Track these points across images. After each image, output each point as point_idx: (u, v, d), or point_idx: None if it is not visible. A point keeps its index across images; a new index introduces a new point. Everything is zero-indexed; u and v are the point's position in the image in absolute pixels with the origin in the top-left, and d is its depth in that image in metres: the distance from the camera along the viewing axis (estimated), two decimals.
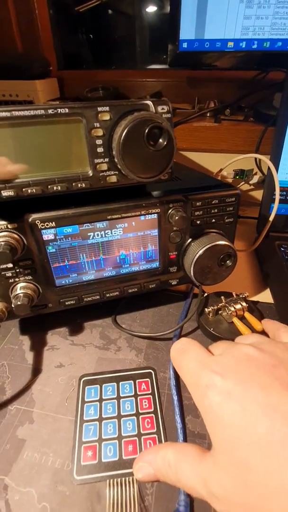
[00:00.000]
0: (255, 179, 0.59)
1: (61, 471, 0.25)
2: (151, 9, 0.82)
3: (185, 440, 0.26)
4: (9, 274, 0.28)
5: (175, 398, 0.29)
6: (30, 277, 0.29)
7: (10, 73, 0.60)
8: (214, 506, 0.16)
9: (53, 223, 0.27)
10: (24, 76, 0.61)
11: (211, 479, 0.16)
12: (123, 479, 0.24)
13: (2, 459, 0.25)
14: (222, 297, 0.36)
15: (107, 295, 0.33)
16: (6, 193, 0.24)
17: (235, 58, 0.55)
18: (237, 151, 0.57)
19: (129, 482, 0.24)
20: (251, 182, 0.60)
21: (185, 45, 0.53)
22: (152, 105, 0.25)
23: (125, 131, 0.23)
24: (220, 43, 0.52)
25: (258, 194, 0.64)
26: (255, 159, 0.58)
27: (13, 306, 0.28)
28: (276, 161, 0.48)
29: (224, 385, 0.17)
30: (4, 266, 0.28)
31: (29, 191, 0.24)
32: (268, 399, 0.15)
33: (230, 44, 0.52)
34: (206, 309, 0.36)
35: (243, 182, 0.60)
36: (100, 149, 0.25)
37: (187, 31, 0.52)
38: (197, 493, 0.17)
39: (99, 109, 0.23)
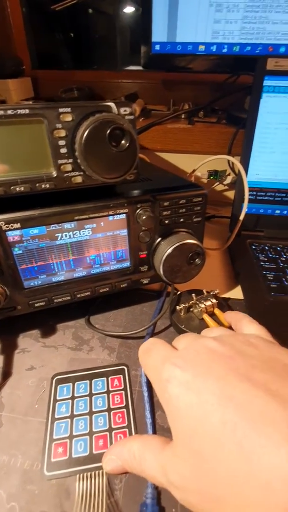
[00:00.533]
0: (228, 179, 0.61)
1: (30, 471, 0.25)
2: (129, 9, 0.82)
3: (154, 432, 0.27)
4: None
5: (146, 394, 0.29)
6: None
7: None
8: (173, 494, 0.17)
9: (18, 224, 0.27)
10: None
11: (169, 468, 0.17)
12: (93, 473, 0.24)
13: None
14: (193, 294, 0.37)
15: (78, 295, 0.33)
16: None
17: (207, 61, 0.57)
18: (210, 152, 0.59)
19: (98, 475, 0.24)
20: (225, 182, 0.61)
21: (157, 47, 0.54)
22: (115, 107, 0.25)
23: (87, 131, 0.23)
24: (192, 46, 0.53)
25: (232, 194, 0.65)
26: (228, 160, 0.60)
27: None
28: (245, 162, 0.49)
29: (183, 377, 0.17)
30: None
31: None
32: (223, 390, 0.16)
33: (202, 48, 0.53)
34: (177, 307, 0.37)
35: (217, 183, 0.62)
36: (63, 150, 0.25)
37: (159, 34, 0.53)
38: (158, 482, 0.18)
39: (61, 110, 0.23)
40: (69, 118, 0.24)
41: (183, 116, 0.65)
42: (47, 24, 0.84)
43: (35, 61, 0.75)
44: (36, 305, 0.32)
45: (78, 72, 0.76)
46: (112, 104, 0.25)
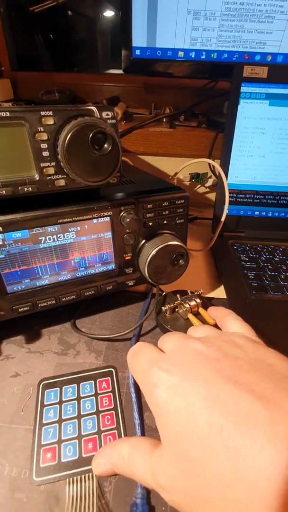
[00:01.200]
0: (210, 182, 0.62)
1: (18, 479, 0.24)
2: (109, 13, 0.83)
3: (142, 435, 0.27)
4: None
5: (133, 395, 0.29)
6: None
7: None
8: (162, 496, 0.17)
9: (0, 228, 0.27)
10: None
11: (158, 471, 0.17)
12: (83, 476, 0.24)
13: None
14: (178, 295, 0.38)
15: (63, 299, 0.33)
16: None
17: (187, 67, 0.58)
18: (191, 155, 0.60)
19: (88, 478, 0.24)
20: (206, 185, 0.63)
21: (138, 52, 0.55)
22: (97, 111, 0.25)
23: (69, 135, 0.23)
24: (171, 52, 0.55)
25: (213, 196, 0.67)
26: (209, 163, 0.61)
27: None
28: (225, 165, 0.51)
29: (170, 381, 0.17)
30: None
31: None
32: (209, 392, 0.16)
33: (181, 54, 0.55)
34: (163, 308, 0.37)
35: (199, 185, 0.63)
36: (45, 153, 0.25)
37: (139, 39, 0.54)
38: (147, 484, 0.18)
39: (42, 113, 0.23)
40: (51, 121, 0.24)
41: (164, 120, 0.66)
42: (26, 26, 0.83)
43: (14, 62, 0.74)
44: (20, 310, 0.31)
45: (58, 74, 0.75)
46: (94, 108, 0.25)
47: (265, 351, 0.19)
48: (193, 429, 0.15)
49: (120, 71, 0.80)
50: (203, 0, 0.50)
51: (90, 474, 0.25)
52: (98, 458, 0.21)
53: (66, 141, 0.23)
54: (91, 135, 0.23)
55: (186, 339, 0.21)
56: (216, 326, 0.37)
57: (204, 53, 0.55)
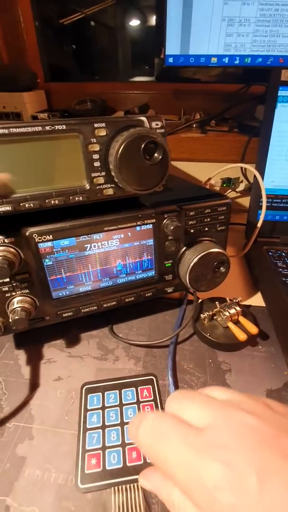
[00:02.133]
0: (241, 186, 0.62)
1: (64, 486, 0.24)
2: (136, 22, 0.85)
3: None
4: (5, 288, 0.28)
5: None
6: (27, 291, 0.29)
7: None
8: None
9: (50, 236, 0.27)
10: (11, 88, 0.61)
11: None
12: (128, 486, 0.24)
13: (2, 479, 0.25)
14: (217, 302, 0.37)
15: (105, 305, 0.33)
16: (3, 208, 0.24)
17: (219, 72, 0.58)
18: (223, 160, 0.59)
19: (134, 488, 0.24)
20: (237, 189, 0.62)
21: (170, 60, 0.55)
22: (147, 121, 0.26)
23: (122, 146, 0.23)
24: (204, 59, 0.55)
25: (244, 201, 0.66)
26: (241, 168, 0.61)
27: (10, 320, 0.28)
28: (261, 170, 0.50)
29: (236, 476, 0.13)
30: (1, 280, 0.28)
31: (27, 205, 0.24)
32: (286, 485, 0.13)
33: (214, 60, 0.55)
34: (201, 315, 0.37)
35: (230, 190, 0.62)
36: (96, 164, 0.25)
37: (172, 47, 0.54)
38: None
39: (96, 125, 0.24)
40: (103, 133, 0.24)
41: (194, 126, 0.66)
42: (57, 38, 0.86)
43: (47, 74, 0.77)
44: (64, 315, 0.32)
45: (89, 84, 0.78)
46: (144, 119, 0.25)
47: None
48: None
49: (149, 78, 0.81)
50: (237, 7, 0.50)
51: (136, 485, 0.24)
52: (145, 478, 0.18)
53: (120, 152, 0.23)
54: (143, 145, 0.24)
55: (220, 406, 0.16)
56: (258, 336, 0.36)
57: (237, 58, 0.54)
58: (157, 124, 0.26)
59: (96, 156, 0.25)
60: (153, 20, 0.78)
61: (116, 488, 0.24)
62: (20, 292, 0.29)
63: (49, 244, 0.28)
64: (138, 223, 0.30)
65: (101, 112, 0.67)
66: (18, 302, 0.29)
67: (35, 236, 0.27)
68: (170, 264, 0.35)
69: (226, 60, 0.55)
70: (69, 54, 0.88)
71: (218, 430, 0.15)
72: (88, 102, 0.67)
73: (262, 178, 0.50)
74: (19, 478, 0.25)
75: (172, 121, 0.69)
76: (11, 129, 0.22)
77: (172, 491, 0.16)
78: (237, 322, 0.36)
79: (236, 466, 0.13)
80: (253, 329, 0.34)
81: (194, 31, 0.52)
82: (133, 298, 0.35)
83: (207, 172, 0.54)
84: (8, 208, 0.24)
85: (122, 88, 0.75)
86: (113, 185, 0.27)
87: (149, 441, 0.17)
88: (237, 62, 0.55)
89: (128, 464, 0.25)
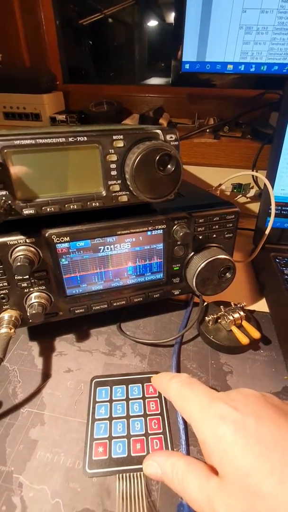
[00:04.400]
0: (251, 192, 0.62)
1: (72, 469, 0.27)
2: (153, 22, 0.85)
3: (187, 439, 0.28)
4: (24, 284, 0.30)
5: None
6: (43, 287, 0.31)
7: (18, 87, 0.63)
8: None
9: (68, 237, 0.29)
10: (32, 90, 0.63)
11: (217, 500, 0.17)
12: (132, 474, 0.26)
13: (17, 459, 0.27)
14: (221, 306, 0.39)
15: (114, 304, 0.35)
16: (27, 211, 0.26)
17: (233, 78, 0.59)
18: (234, 166, 0.60)
19: (137, 477, 0.26)
20: (248, 195, 0.63)
21: (187, 66, 0.56)
22: (162, 134, 0.27)
23: (138, 158, 0.25)
24: (220, 66, 0.56)
25: (254, 207, 0.67)
26: (253, 174, 0.61)
27: (28, 314, 0.30)
28: (272, 177, 0.51)
29: (238, 416, 0.18)
30: (21, 277, 0.30)
31: (48, 209, 0.26)
32: (279, 430, 0.17)
33: (230, 67, 0.55)
34: (206, 318, 0.38)
35: (240, 195, 0.63)
36: (113, 172, 0.27)
37: (189, 54, 0.55)
38: (199, 506, 0.18)
39: (114, 137, 0.26)
40: (121, 144, 0.26)
41: (207, 130, 0.67)
42: (76, 39, 0.88)
43: (66, 75, 0.79)
44: (76, 311, 0.34)
45: (105, 86, 0.79)
46: (159, 132, 0.27)
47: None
48: (265, 464, 0.15)
49: (164, 81, 0.82)
50: (256, 15, 0.51)
51: (139, 474, 0.26)
52: (150, 460, 0.22)
53: (136, 163, 0.25)
54: (157, 158, 0.25)
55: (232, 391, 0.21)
56: (260, 340, 0.37)
57: (253, 65, 0.55)
58: (171, 137, 0.27)
59: (113, 166, 0.27)
60: (171, 20, 0.79)
61: (120, 475, 0.26)
62: (37, 288, 0.31)
63: (66, 245, 0.30)
64: (150, 228, 0.32)
65: (117, 114, 0.69)
66: (35, 298, 0.31)
67: (53, 237, 0.29)
68: (178, 268, 0.36)
69: (242, 67, 0.55)
70: (86, 55, 0.89)
71: (230, 393, 0.20)
72: (105, 104, 0.69)
73: (273, 185, 0.51)
74: (31, 459, 0.27)
75: (185, 125, 0.70)
76: (37, 140, 0.24)
77: (177, 462, 0.20)
78: (240, 326, 0.37)
79: (239, 409, 0.18)
80: (256, 334, 0.36)
81: (211, 39, 0.53)
82: (141, 299, 0.36)
83: (218, 177, 0.55)
84: (31, 211, 0.26)
85: (137, 91, 0.76)
86: (128, 193, 0.28)
87: (179, 386, 0.22)
88: (253, 69, 0.55)
89: (132, 454, 0.27)
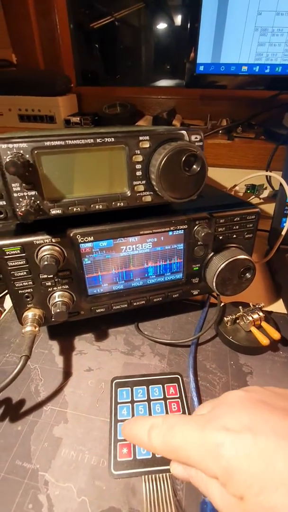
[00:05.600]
0: (265, 193, 0.62)
1: (97, 467, 0.27)
2: (164, 25, 0.86)
3: None
4: (49, 283, 0.31)
5: (195, 399, 0.31)
6: (66, 286, 0.32)
7: (34, 90, 0.64)
8: None
9: (92, 237, 0.30)
10: (47, 92, 0.64)
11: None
12: (157, 475, 0.26)
13: (42, 456, 0.27)
14: (240, 307, 0.39)
15: (134, 303, 0.36)
16: (54, 211, 0.26)
17: (248, 80, 0.59)
18: (248, 167, 0.60)
19: (162, 478, 0.26)
20: (261, 196, 0.63)
21: (201, 68, 0.57)
22: (187, 134, 0.27)
23: (165, 158, 0.25)
24: (235, 67, 0.56)
25: (268, 208, 0.66)
26: (266, 175, 0.61)
27: (52, 313, 0.30)
28: (287, 178, 0.50)
29: (233, 437, 0.16)
30: (46, 276, 0.30)
31: (75, 209, 0.27)
32: (276, 433, 0.16)
33: (244, 68, 0.56)
34: (225, 318, 0.38)
35: (253, 196, 0.63)
36: (138, 173, 0.27)
37: (204, 56, 0.56)
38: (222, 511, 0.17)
39: (141, 138, 0.26)
40: (146, 145, 0.26)
41: (220, 131, 0.67)
42: (88, 43, 0.89)
43: (79, 78, 0.80)
44: (97, 311, 0.34)
45: (118, 88, 0.80)
46: (184, 132, 0.27)
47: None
48: (274, 476, 0.15)
49: (176, 83, 0.82)
50: (271, 17, 0.51)
51: (164, 475, 0.26)
52: (177, 463, 0.21)
53: (162, 163, 0.25)
54: (184, 158, 0.25)
55: (215, 401, 0.20)
56: (280, 342, 0.37)
57: (268, 67, 0.55)
58: (196, 138, 0.27)
59: (138, 166, 0.27)
60: (183, 24, 0.79)
61: (145, 477, 0.26)
62: (61, 287, 0.32)
63: (89, 244, 0.30)
64: (171, 228, 0.32)
65: (131, 116, 0.70)
66: (58, 297, 0.31)
67: (78, 237, 0.29)
68: (197, 268, 0.36)
69: (256, 68, 0.55)
70: (98, 58, 0.90)
71: (216, 407, 0.18)
72: (118, 106, 0.69)
73: None
74: (56, 456, 0.27)
75: (198, 126, 0.70)
76: (67, 141, 0.24)
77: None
78: (259, 327, 0.37)
79: (232, 428, 0.16)
80: (276, 335, 0.35)
81: (226, 41, 0.54)
82: (160, 298, 0.37)
83: (232, 178, 0.55)
84: (58, 211, 0.26)
85: (150, 93, 0.77)
86: (152, 193, 0.29)
87: (161, 439, 0.19)
88: (267, 71, 0.55)
89: (157, 456, 0.27)
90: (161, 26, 0.86)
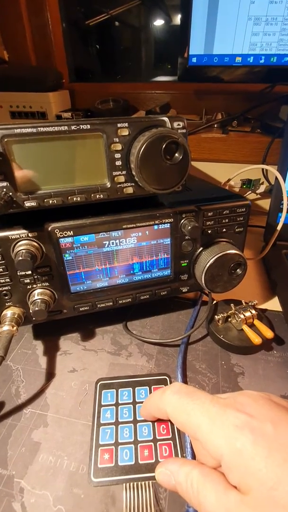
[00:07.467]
0: (261, 188, 0.60)
1: (76, 474, 0.25)
2: (159, 22, 0.85)
3: (191, 448, 0.27)
4: (27, 280, 0.30)
5: None
6: (47, 284, 0.30)
7: (25, 86, 0.63)
8: None
9: (71, 232, 0.28)
10: (38, 88, 0.63)
11: None
12: (139, 483, 0.24)
13: (18, 462, 0.26)
14: (232, 304, 0.37)
15: (120, 301, 0.34)
16: (28, 204, 0.25)
17: (242, 72, 0.57)
18: (244, 161, 0.59)
19: (145, 486, 0.24)
20: (257, 191, 0.61)
21: (194, 60, 0.55)
22: (169, 121, 0.26)
23: (144, 146, 0.24)
24: (229, 58, 0.54)
25: (264, 203, 0.65)
26: (262, 169, 0.59)
27: (31, 311, 0.29)
28: (283, 171, 0.49)
29: (255, 423, 0.16)
30: (24, 272, 0.29)
31: (50, 201, 0.25)
32: None
33: (238, 59, 0.54)
34: (216, 316, 0.37)
35: (249, 192, 0.61)
36: (118, 163, 0.26)
37: (196, 47, 0.54)
38: None
39: (119, 125, 0.25)
40: (125, 132, 0.25)
41: (215, 126, 0.65)
42: (82, 39, 0.88)
43: (72, 74, 0.79)
44: (80, 309, 0.33)
45: (111, 84, 0.79)
46: (166, 119, 0.26)
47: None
48: None
49: (170, 78, 0.81)
50: (265, 6, 0.49)
51: (147, 483, 0.24)
52: (163, 468, 0.20)
53: (141, 151, 0.24)
54: (164, 145, 0.24)
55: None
56: (274, 340, 0.35)
57: (263, 57, 0.53)
58: (178, 124, 0.26)
59: (118, 155, 0.26)
60: (177, 20, 0.78)
61: (127, 484, 0.24)
62: (40, 284, 0.30)
63: (70, 239, 0.29)
64: (156, 222, 0.31)
65: (124, 111, 0.68)
66: (38, 294, 0.30)
67: (57, 231, 0.28)
68: (186, 264, 0.35)
69: (251, 59, 0.54)
70: (93, 55, 0.89)
71: (237, 396, 0.19)
72: (111, 101, 0.68)
73: (284, 179, 0.49)
74: (34, 462, 0.26)
75: (193, 121, 0.69)
76: (38, 128, 0.23)
77: (191, 471, 0.18)
78: (252, 326, 0.36)
79: (256, 416, 0.16)
80: (269, 333, 0.34)
81: (219, 31, 0.52)
82: (148, 296, 0.35)
83: (227, 173, 0.54)
84: (33, 203, 0.25)
85: (144, 88, 0.75)
86: (133, 184, 0.27)
87: (176, 400, 0.20)
88: (262, 61, 0.54)
89: (140, 462, 0.25)
90: (157, 23, 0.85)
